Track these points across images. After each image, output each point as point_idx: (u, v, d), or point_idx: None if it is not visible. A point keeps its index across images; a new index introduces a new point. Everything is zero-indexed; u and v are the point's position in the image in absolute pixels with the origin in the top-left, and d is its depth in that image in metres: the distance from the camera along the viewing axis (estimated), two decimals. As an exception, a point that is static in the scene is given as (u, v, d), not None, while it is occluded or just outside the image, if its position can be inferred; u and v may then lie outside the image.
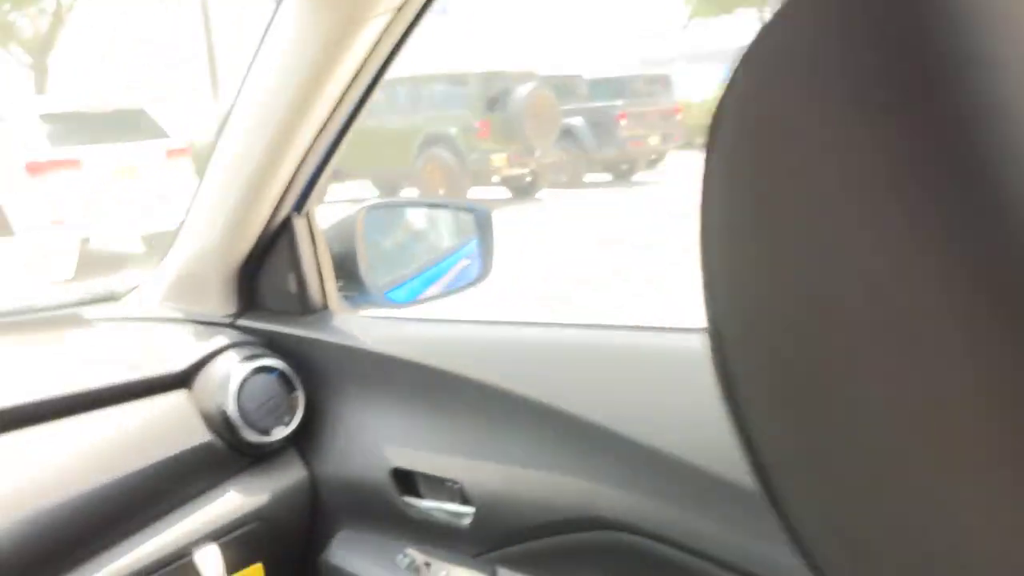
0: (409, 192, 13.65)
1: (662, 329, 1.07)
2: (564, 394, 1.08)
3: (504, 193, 13.75)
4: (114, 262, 9.32)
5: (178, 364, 1.29)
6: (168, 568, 1.17)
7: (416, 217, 1.69)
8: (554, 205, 12.53)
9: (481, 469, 1.17)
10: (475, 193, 13.15)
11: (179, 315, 1.43)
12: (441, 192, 12.69)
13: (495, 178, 13.65)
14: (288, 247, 1.36)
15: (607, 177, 15.34)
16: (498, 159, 12.71)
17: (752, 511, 0.93)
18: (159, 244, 9.85)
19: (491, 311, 1.34)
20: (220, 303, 1.41)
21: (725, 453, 0.97)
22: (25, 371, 1.22)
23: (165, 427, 1.22)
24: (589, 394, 1.06)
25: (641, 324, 1.10)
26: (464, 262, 1.69)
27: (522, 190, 13.67)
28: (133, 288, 1.54)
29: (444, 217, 1.70)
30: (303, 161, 1.25)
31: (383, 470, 1.26)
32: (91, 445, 1.14)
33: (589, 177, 14.79)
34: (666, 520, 0.99)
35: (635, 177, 15.33)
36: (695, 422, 0.98)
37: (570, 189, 14.15)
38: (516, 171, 13.23)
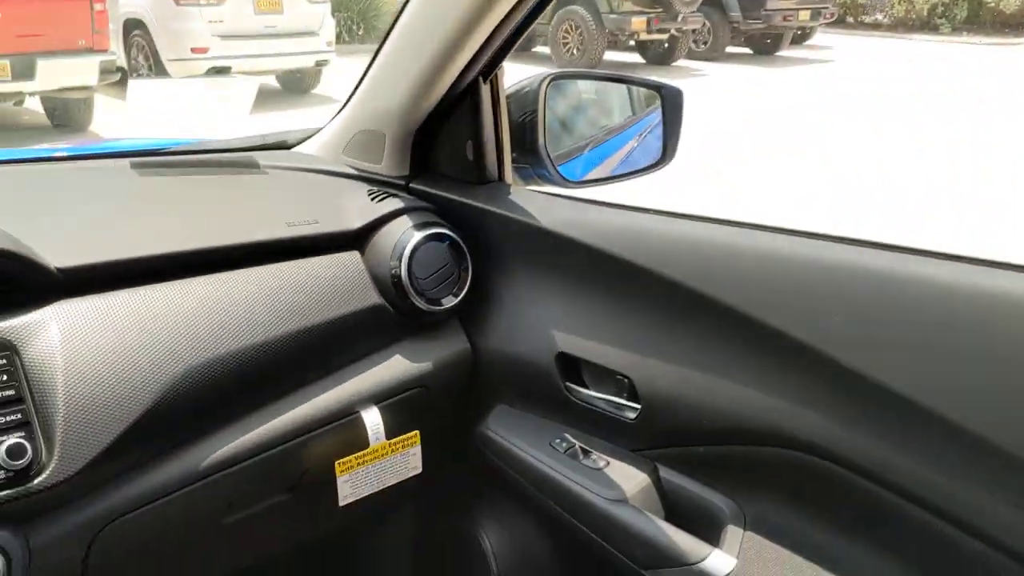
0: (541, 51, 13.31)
1: (873, 245, 0.98)
2: (760, 302, 1.02)
3: (637, 59, 13.25)
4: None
5: (352, 223, 1.27)
6: (332, 425, 1.19)
7: (594, 90, 1.60)
8: (693, 75, 12.03)
9: (655, 367, 1.13)
10: (608, 57, 12.71)
11: (352, 171, 1.41)
12: (575, 53, 12.30)
13: (630, 42, 13.14)
14: (470, 113, 1.30)
15: (747, 51, 14.58)
16: (638, 22, 12.17)
17: (965, 451, 0.87)
18: (296, 84, 9.94)
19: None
20: (394, 164, 1.38)
21: (940, 383, 0.91)
22: (205, 216, 1.23)
23: (338, 286, 1.21)
24: (788, 306, 1.00)
25: (847, 237, 1.01)
26: (631, 144, 1.61)
27: (658, 57, 13.14)
28: (305, 138, 1.52)
29: (622, 93, 1.60)
30: (499, 26, 1.17)
31: (548, 353, 1.24)
32: (269, 296, 1.14)
33: (729, 49, 14.09)
34: (862, 449, 0.94)
35: (779, 53, 14.53)
36: (907, 350, 0.91)
37: (708, 61, 13.53)
38: (655, 36, 12.69)
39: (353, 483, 1.22)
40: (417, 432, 1.27)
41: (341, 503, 1.21)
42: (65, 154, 1.39)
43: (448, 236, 1.28)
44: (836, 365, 0.94)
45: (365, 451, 1.21)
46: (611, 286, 1.18)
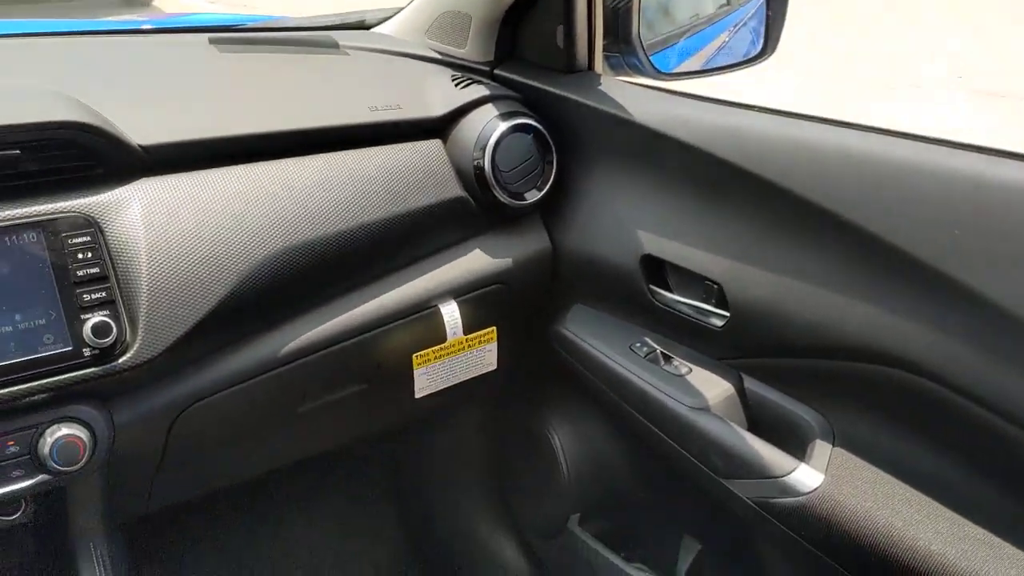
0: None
1: (1004, 154, 0.90)
2: (869, 211, 0.95)
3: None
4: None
5: (435, 110, 1.22)
6: (411, 318, 1.17)
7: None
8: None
9: (748, 274, 1.08)
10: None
11: (435, 54, 1.35)
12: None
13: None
14: None
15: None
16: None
17: None
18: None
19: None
20: (479, 48, 1.32)
21: None
22: (287, 96, 1.19)
23: (420, 176, 1.17)
24: (903, 217, 0.93)
25: (975, 144, 0.93)
26: (727, 34, 1.52)
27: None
28: (385, 18, 1.46)
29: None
30: None
31: (633, 254, 1.19)
32: (353, 183, 1.11)
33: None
34: (973, 371, 0.89)
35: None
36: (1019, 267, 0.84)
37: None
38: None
39: (429, 376, 1.20)
40: (494, 329, 1.25)
41: (416, 395, 1.20)
42: (146, 27, 1.35)
43: (534, 127, 1.22)
44: (951, 282, 0.88)
45: (442, 345, 1.19)
46: (705, 187, 1.12)
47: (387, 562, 1.60)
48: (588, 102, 1.22)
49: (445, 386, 1.23)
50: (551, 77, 1.27)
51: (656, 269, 1.19)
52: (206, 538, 1.43)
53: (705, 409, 1.10)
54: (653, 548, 1.34)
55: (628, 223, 1.20)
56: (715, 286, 1.12)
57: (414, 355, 1.17)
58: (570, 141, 1.25)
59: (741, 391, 1.12)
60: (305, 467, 1.36)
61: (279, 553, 1.51)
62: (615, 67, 1.33)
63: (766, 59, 1.36)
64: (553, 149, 1.24)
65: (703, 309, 1.15)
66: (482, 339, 1.24)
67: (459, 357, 1.22)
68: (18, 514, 0.98)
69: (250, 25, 1.42)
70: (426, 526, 1.62)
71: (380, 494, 1.63)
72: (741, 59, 1.39)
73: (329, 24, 1.46)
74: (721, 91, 1.16)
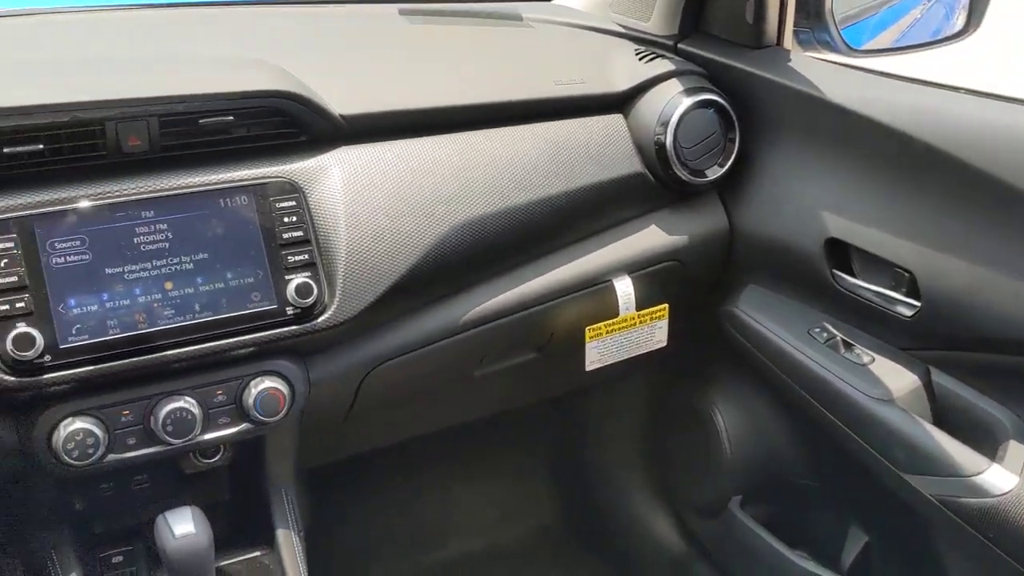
0: None
1: None
2: None
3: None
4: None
5: (619, 84, 1.22)
6: (585, 291, 1.18)
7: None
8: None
9: (944, 263, 1.03)
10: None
11: (619, 28, 1.34)
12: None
13: None
14: None
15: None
16: None
17: None
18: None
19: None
20: (664, 21, 1.30)
21: None
22: (476, 69, 1.21)
23: (602, 150, 1.17)
24: None
25: None
26: (917, 12, 1.44)
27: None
28: (566, -11, 1.46)
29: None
30: None
31: (816, 237, 1.16)
32: (540, 156, 1.12)
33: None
34: None
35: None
36: None
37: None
38: None
39: (600, 350, 1.21)
40: (666, 306, 1.24)
41: (588, 368, 1.21)
42: None
43: (718, 103, 1.20)
44: None
45: (615, 320, 1.20)
46: (900, 170, 1.07)
47: (542, 527, 1.63)
48: (778, 79, 1.18)
49: (615, 360, 1.23)
50: (737, 52, 1.24)
51: (841, 253, 1.16)
52: (377, 492, 1.50)
53: (889, 400, 1.06)
54: (818, 536, 1.31)
55: (813, 204, 1.17)
56: (906, 274, 1.07)
57: (587, 328, 1.19)
58: (755, 118, 1.22)
59: (928, 384, 1.08)
60: (471, 431, 1.41)
61: (441, 510, 1.57)
62: (804, 43, 1.29)
63: (969, 36, 1.29)
64: (736, 126, 1.21)
65: (890, 297, 1.11)
66: (654, 315, 1.23)
67: (630, 332, 1.22)
68: (217, 457, 1.06)
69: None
70: (582, 495, 1.64)
71: (540, 461, 1.67)
72: (942, 36, 1.32)
73: None
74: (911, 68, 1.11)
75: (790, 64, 1.20)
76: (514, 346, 1.20)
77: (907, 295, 1.09)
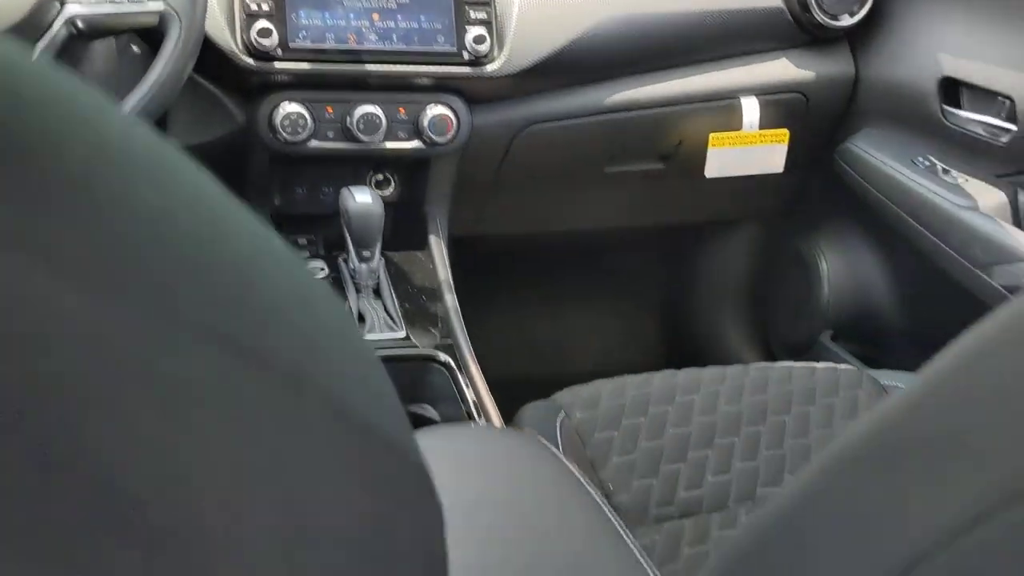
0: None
1: None
2: None
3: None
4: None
5: None
6: (713, 103, 1.35)
7: None
8: None
9: None
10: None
11: None
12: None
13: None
14: None
15: None
16: None
17: None
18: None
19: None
20: None
21: None
22: None
23: None
24: None
25: None
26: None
27: None
28: None
29: None
30: None
31: (932, 77, 1.28)
32: None
33: None
34: None
35: None
36: None
37: None
38: None
39: (721, 160, 1.38)
40: (787, 131, 1.39)
41: (707, 174, 1.38)
42: None
43: None
44: None
45: (738, 132, 1.36)
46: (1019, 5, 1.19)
47: (643, 359, 1.79)
48: None
49: (734, 174, 1.39)
50: None
51: (952, 90, 1.28)
52: (505, 311, 1.70)
53: (973, 207, 1.18)
54: (902, 365, 1.43)
55: (932, 48, 1.29)
56: (1007, 101, 1.19)
57: (711, 135, 1.35)
58: None
59: (1014, 202, 1.19)
60: (590, 255, 1.60)
61: (552, 328, 1.76)
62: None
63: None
64: None
65: (992, 125, 1.22)
66: (775, 137, 1.38)
67: (751, 149, 1.38)
68: (389, 190, 1.30)
69: None
70: (684, 332, 1.79)
71: (647, 300, 1.82)
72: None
73: None
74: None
75: None
76: (644, 143, 1.38)
77: (1007, 120, 1.20)
